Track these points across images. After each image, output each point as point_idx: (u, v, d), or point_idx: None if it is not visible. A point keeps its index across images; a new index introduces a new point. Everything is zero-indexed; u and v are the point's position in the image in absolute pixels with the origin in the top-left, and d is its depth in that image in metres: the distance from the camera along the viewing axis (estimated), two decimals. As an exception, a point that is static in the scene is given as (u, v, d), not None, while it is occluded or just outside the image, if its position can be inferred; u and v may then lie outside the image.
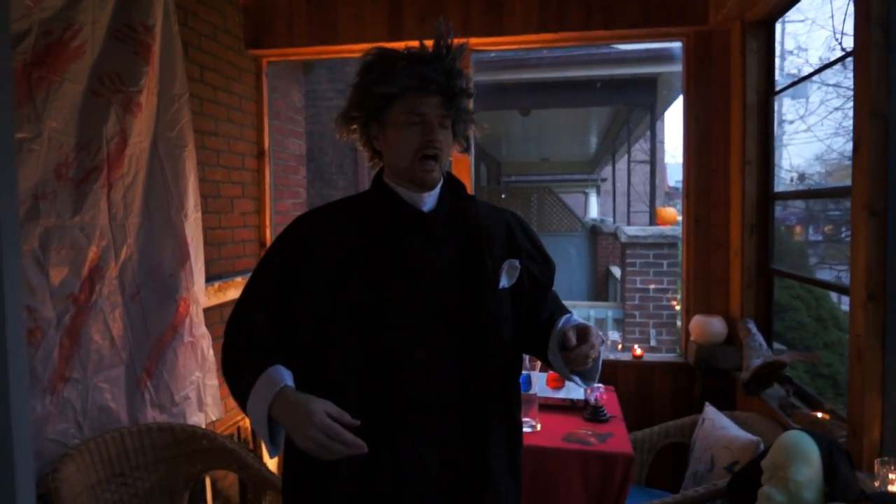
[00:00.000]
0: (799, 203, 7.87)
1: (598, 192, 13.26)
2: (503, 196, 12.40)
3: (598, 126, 8.68)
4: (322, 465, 1.08)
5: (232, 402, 2.78)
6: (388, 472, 1.15)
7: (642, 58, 4.57)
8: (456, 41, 1.19)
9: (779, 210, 2.47)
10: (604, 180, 12.42)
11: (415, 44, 1.21)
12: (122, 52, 2.08)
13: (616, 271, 7.08)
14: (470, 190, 2.84)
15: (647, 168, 6.50)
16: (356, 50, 3.95)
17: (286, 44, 3.01)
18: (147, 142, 2.21)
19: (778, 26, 2.53)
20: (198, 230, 2.41)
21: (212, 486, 2.45)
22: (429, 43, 1.21)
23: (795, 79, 2.22)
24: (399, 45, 1.22)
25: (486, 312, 1.21)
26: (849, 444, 1.65)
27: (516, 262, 1.26)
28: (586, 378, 1.22)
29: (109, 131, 2.04)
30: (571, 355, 1.10)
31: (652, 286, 5.12)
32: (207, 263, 2.51)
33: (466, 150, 1.30)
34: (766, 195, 2.49)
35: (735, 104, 2.55)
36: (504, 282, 1.24)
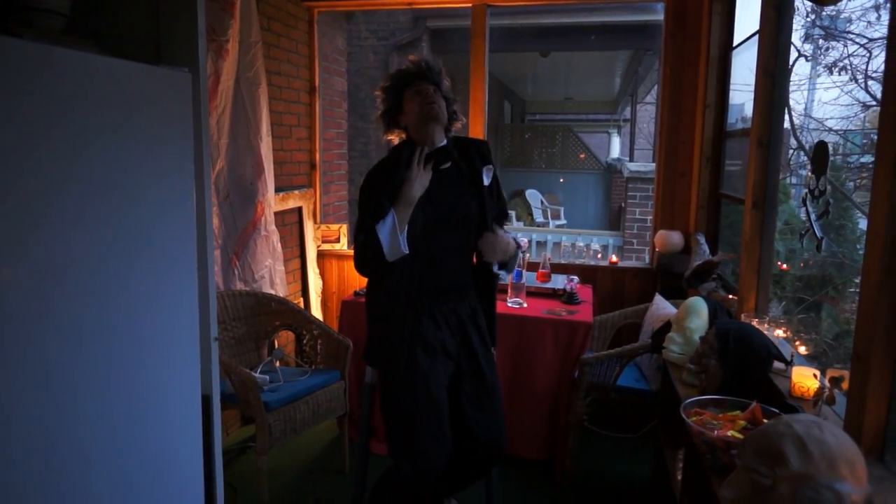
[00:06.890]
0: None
1: (619, 132, 13.57)
2: (527, 136, 12.76)
3: (621, 68, 9.04)
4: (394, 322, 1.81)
5: (293, 287, 3.56)
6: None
7: (644, 6, 5.05)
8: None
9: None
10: (626, 121, 12.73)
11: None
12: (214, 8, 2.73)
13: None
14: (482, 130, 3.47)
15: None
16: (394, 3, 4.52)
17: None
18: (232, 80, 2.88)
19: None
20: (269, 150, 3.11)
21: (277, 341, 3.25)
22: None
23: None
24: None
25: (478, 210, 1.88)
26: (737, 312, 2.32)
27: (490, 167, 1.92)
28: (505, 269, 1.96)
29: (207, 71, 2.70)
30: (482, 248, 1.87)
31: (649, 217, 5.71)
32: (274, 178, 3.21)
33: (454, 114, 1.94)
34: (720, 133, 3.07)
35: (701, 57, 3.10)
36: (486, 181, 1.91)
